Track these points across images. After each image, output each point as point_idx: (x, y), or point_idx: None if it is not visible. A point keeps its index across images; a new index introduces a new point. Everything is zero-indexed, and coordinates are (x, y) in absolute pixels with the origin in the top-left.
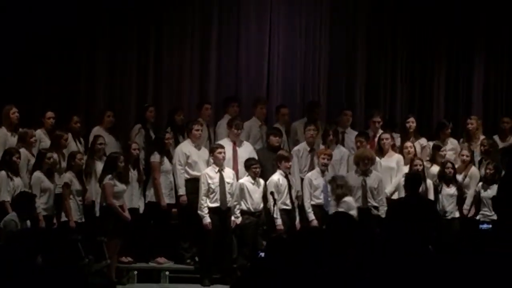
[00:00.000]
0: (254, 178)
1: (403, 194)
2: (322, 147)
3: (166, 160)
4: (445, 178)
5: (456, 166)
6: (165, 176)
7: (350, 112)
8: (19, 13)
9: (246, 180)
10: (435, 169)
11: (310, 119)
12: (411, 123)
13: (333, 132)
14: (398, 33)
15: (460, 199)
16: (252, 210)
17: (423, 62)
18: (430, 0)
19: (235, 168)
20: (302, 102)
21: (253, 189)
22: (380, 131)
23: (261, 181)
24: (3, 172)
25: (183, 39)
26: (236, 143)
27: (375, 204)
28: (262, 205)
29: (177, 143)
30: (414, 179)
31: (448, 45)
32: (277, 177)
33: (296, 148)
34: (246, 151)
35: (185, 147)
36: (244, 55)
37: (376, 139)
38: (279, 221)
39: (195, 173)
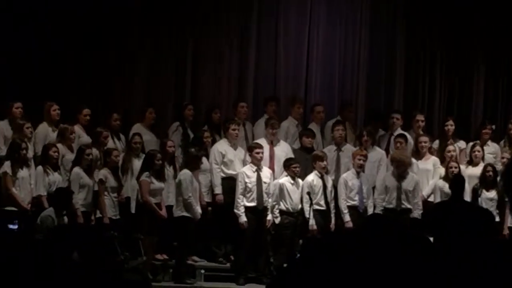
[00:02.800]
0: (293, 178)
1: (438, 196)
2: (348, 146)
3: (204, 159)
4: (485, 181)
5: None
6: (204, 175)
7: (399, 115)
8: (58, 9)
9: (285, 180)
10: (470, 170)
11: (342, 118)
12: (450, 126)
13: (367, 133)
14: (437, 35)
15: (501, 203)
16: (291, 210)
17: (462, 65)
18: (469, 3)
19: (271, 167)
20: (340, 102)
21: (293, 189)
22: (421, 132)
23: (300, 181)
24: (40, 167)
25: (221, 38)
26: (272, 143)
27: (409, 207)
28: (300, 206)
29: (214, 141)
30: (458, 181)
31: (487, 48)
32: (312, 177)
33: (326, 148)
34: (283, 150)
35: (221, 146)
36: (283, 54)
37: (414, 141)
38: (312, 222)
39: (230, 172)
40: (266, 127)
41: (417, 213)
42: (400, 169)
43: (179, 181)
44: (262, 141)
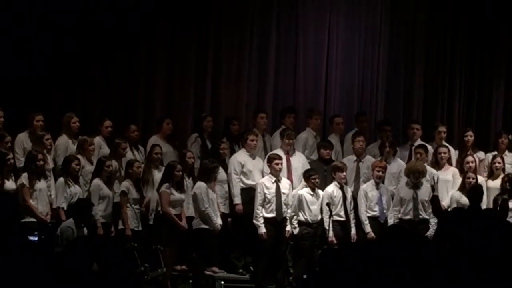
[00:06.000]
0: (313, 189)
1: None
2: (368, 157)
3: (221, 169)
4: (505, 192)
5: None
6: (220, 186)
7: (418, 125)
8: (79, 20)
9: (304, 191)
10: (491, 183)
11: (359, 129)
12: (469, 136)
13: (389, 144)
14: (456, 46)
15: None
16: (310, 221)
17: (481, 75)
18: (488, 13)
19: (289, 178)
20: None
21: (312, 200)
22: (443, 143)
23: (320, 192)
24: (61, 179)
25: (241, 50)
26: (289, 153)
27: (426, 217)
28: (320, 217)
29: (232, 152)
30: (475, 191)
31: (506, 59)
32: (331, 188)
33: (345, 159)
34: (299, 161)
35: (240, 156)
36: (302, 66)
37: (433, 152)
38: (331, 233)
39: (249, 182)
40: (282, 138)
41: (433, 221)
42: (418, 179)
43: (194, 194)
44: (279, 152)
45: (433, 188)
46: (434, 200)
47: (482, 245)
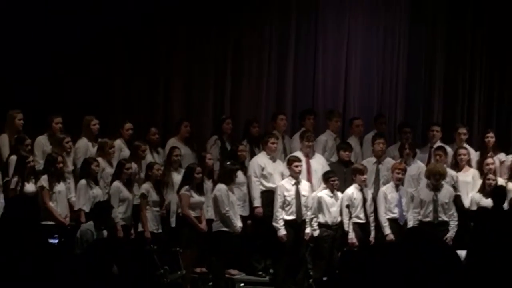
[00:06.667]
0: (332, 191)
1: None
2: (388, 159)
3: (239, 172)
4: None
5: None
6: (238, 188)
7: (438, 127)
8: (97, 24)
9: (324, 193)
10: (511, 184)
11: (378, 131)
12: (490, 138)
13: (409, 146)
14: (476, 46)
15: None
16: (329, 223)
17: (501, 76)
18: (508, 14)
19: (309, 180)
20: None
21: (331, 202)
22: (465, 145)
23: (339, 194)
24: (83, 181)
25: (261, 51)
26: (308, 155)
27: (446, 219)
28: (339, 219)
29: (253, 155)
30: (498, 192)
31: None
32: (351, 190)
33: (365, 161)
34: (319, 163)
35: (260, 159)
36: (321, 68)
37: (453, 154)
38: (351, 235)
39: (270, 185)
40: (301, 140)
41: (453, 224)
42: (439, 181)
43: (214, 196)
44: (298, 154)
45: (455, 188)
46: (456, 200)
47: (503, 245)
